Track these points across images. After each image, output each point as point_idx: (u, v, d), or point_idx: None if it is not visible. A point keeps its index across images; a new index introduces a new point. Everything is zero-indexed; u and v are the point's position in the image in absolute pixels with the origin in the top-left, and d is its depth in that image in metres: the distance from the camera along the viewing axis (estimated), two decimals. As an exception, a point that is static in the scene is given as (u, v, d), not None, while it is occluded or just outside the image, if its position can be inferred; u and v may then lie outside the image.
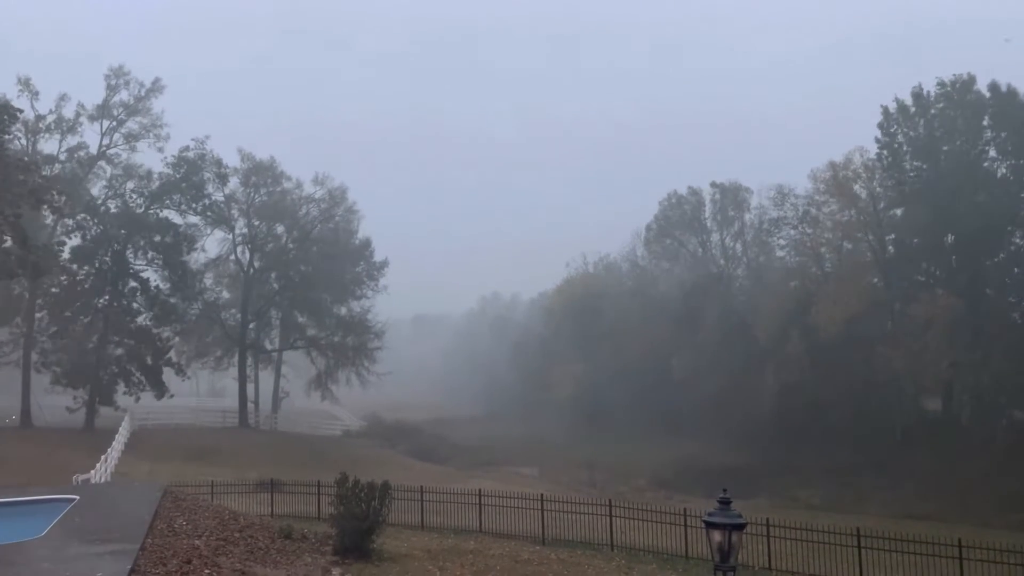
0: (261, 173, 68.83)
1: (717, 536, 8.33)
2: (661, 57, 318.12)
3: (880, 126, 59.36)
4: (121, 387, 55.80)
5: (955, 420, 55.09)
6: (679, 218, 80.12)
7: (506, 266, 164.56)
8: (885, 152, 59.73)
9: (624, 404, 74.84)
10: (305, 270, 70.08)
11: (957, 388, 54.64)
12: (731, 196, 76.99)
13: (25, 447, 41.88)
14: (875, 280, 61.50)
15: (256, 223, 69.65)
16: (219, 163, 62.86)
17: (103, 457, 35.91)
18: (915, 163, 58.85)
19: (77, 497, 20.27)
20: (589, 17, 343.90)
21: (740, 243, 78.65)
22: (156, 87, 58.89)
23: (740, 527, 8.37)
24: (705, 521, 8.50)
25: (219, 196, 65.02)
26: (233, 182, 67.03)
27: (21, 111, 45.50)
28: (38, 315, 55.10)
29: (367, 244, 74.59)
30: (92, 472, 32.11)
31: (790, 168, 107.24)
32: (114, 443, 42.23)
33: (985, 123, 56.10)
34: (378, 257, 74.48)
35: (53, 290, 54.35)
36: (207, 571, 13.40)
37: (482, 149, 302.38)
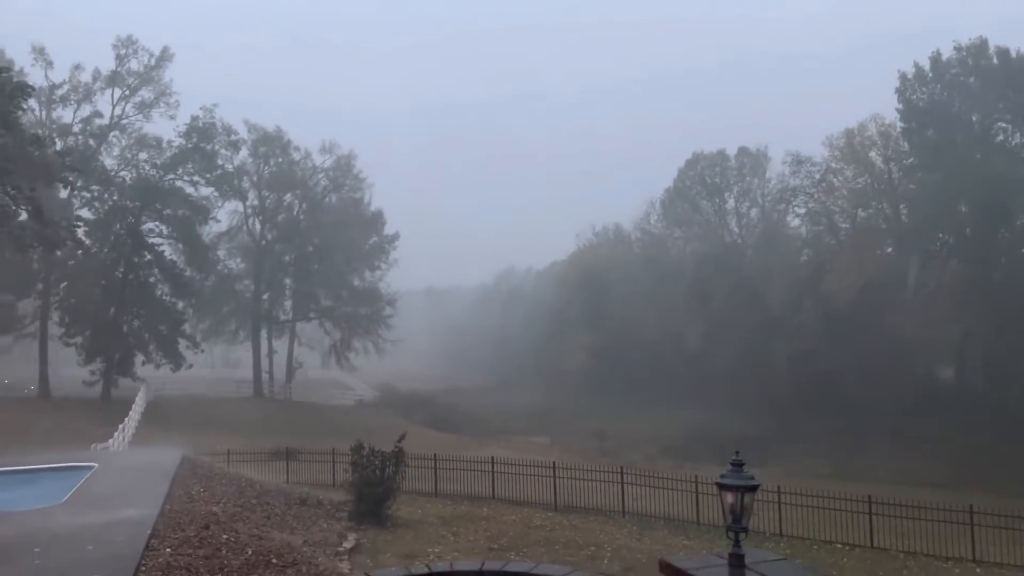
0: (269, 143, 68.88)
1: (729, 498, 8.34)
2: (672, 28, 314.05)
3: (897, 91, 58.14)
4: (138, 358, 56.35)
5: (967, 388, 54.93)
6: (701, 180, 78.74)
7: (520, 238, 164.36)
8: (901, 119, 58.83)
9: (636, 373, 75.01)
10: (317, 241, 70.25)
11: (969, 356, 54.37)
12: (751, 162, 76.21)
13: (44, 417, 42.45)
14: (888, 249, 61.11)
15: (266, 194, 69.80)
16: (230, 131, 62.77)
17: (120, 426, 36.29)
18: (931, 130, 58.03)
19: (96, 464, 20.54)
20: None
21: (757, 211, 77.99)
22: (165, 56, 58.56)
23: (753, 489, 8.37)
24: (718, 483, 8.51)
25: (230, 167, 65.13)
26: (243, 153, 67.28)
27: (34, 88, 45.39)
28: (56, 288, 55.53)
29: (379, 216, 74.88)
30: (110, 441, 32.51)
31: (809, 137, 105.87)
32: (131, 413, 42.68)
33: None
34: (389, 230, 74.96)
35: (70, 263, 54.70)
36: (225, 536, 13.60)
37: (496, 122, 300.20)
